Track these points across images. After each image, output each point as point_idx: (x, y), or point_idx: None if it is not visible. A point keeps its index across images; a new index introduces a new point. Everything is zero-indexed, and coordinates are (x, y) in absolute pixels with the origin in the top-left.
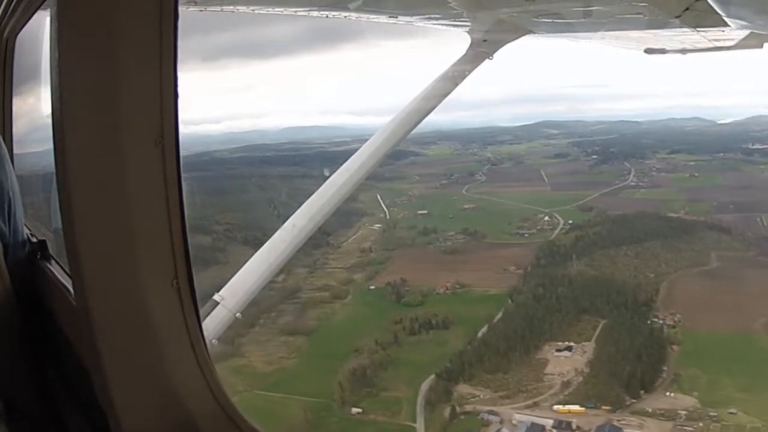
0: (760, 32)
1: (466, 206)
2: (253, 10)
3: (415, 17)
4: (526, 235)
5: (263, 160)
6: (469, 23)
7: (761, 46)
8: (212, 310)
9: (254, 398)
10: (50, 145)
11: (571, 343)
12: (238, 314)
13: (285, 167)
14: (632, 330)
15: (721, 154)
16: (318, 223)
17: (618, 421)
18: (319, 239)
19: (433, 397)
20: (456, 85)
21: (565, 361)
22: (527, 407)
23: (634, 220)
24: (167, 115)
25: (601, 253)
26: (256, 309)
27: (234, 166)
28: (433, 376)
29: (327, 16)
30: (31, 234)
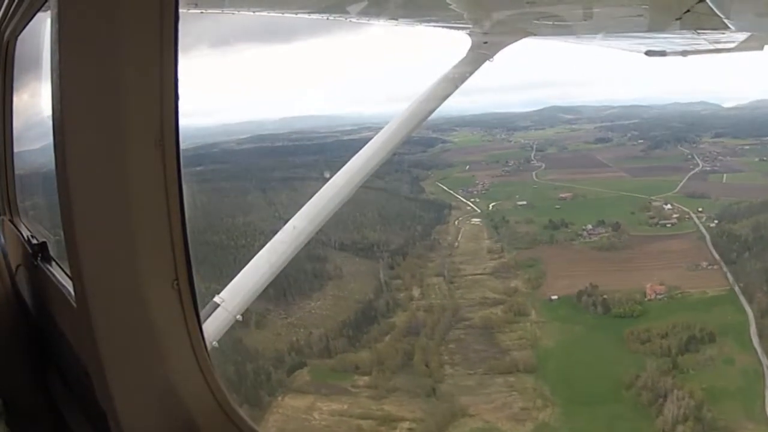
0: (760, 34)
1: (563, 195)
2: (254, 13)
3: (415, 20)
4: (668, 225)
5: (285, 151)
6: (469, 25)
7: (761, 48)
8: (213, 312)
9: None
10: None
11: None
12: (238, 317)
13: (311, 157)
14: None
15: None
16: (318, 225)
17: None
18: (425, 238)
19: None
20: (456, 87)
21: None
22: None
23: None
24: (167, 117)
25: None
26: (426, 340)
27: (253, 159)
28: None
29: (327, 19)
30: (31, 236)
